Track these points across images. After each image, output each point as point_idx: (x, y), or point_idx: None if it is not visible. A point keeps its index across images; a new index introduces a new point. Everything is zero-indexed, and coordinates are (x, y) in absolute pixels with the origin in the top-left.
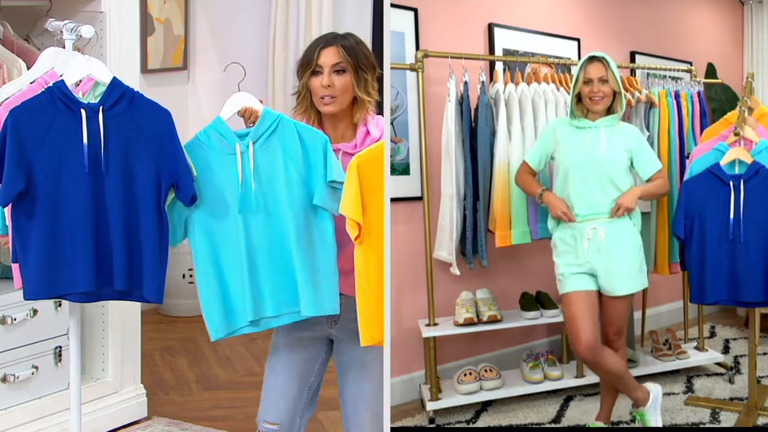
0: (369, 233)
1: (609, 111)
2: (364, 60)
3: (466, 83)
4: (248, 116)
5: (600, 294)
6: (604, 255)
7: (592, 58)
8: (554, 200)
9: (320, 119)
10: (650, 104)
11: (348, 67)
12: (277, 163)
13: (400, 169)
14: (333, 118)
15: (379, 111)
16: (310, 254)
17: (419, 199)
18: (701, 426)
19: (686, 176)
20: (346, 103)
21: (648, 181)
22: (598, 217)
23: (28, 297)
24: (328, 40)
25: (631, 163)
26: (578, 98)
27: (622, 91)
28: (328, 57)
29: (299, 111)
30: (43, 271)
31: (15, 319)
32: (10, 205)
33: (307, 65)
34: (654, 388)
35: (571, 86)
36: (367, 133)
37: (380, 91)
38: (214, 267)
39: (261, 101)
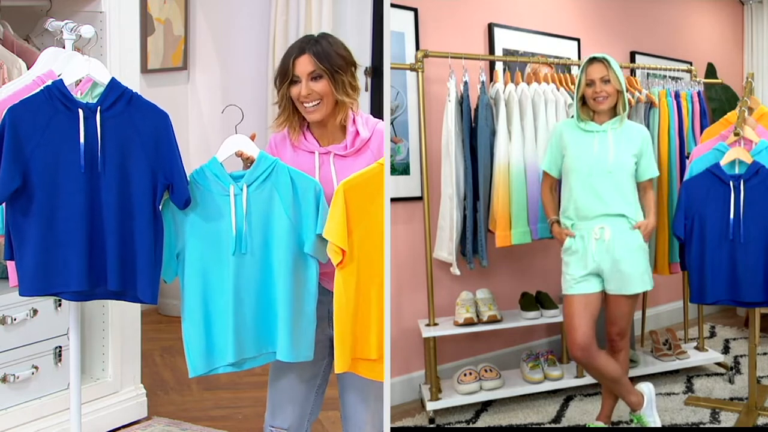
0: (351, 259)
1: (614, 112)
2: (338, 62)
3: (466, 83)
4: (244, 159)
5: (605, 294)
6: (611, 255)
7: (592, 59)
8: (557, 233)
9: (307, 125)
10: (650, 104)
11: (323, 73)
12: (270, 207)
13: (400, 169)
14: (319, 124)
15: (379, 111)
16: (294, 301)
17: (419, 199)
18: (701, 426)
19: (686, 176)
20: (330, 107)
21: (639, 182)
22: (606, 216)
23: (23, 293)
24: (300, 48)
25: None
26: (583, 101)
27: (625, 90)
28: (303, 66)
29: (281, 120)
30: (39, 269)
31: (15, 319)
32: (6, 203)
33: (284, 75)
34: (646, 389)
35: (575, 90)
36: (357, 133)
37: (380, 91)
38: (201, 305)
39: (253, 137)
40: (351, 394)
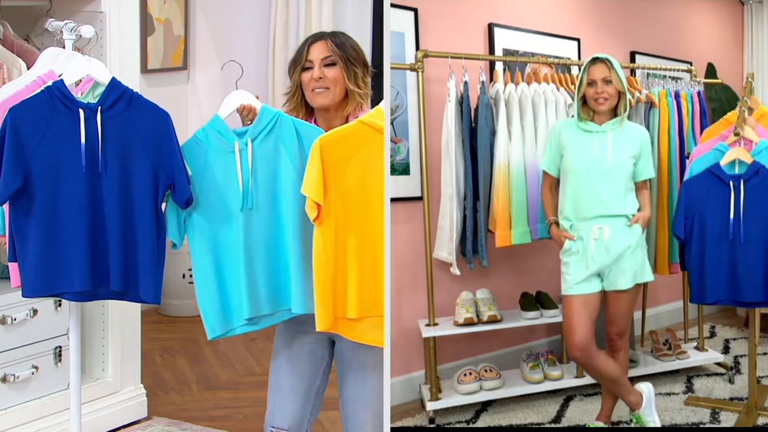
0: (328, 215)
1: (614, 113)
2: (353, 53)
3: (466, 83)
4: (246, 114)
5: (604, 294)
6: (610, 254)
7: (595, 60)
8: (556, 235)
9: (312, 117)
10: (650, 104)
11: (338, 60)
12: (276, 160)
13: (400, 169)
14: (326, 114)
15: None
16: (304, 252)
17: (419, 199)
18: (701, 426)
19: (686, 176)
20: (338, 95)
21: (635, 182)
22: (605, 217)
23: (26, 294)
24: (317, 36)
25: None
26: (583, 101)
27: (627, 91)
28: (317, 51)
29: (288, 108)
30: (41, 270)
31: (15, 319)
32: (7, 204)
33: (298, 61)
34: (645, 388)
35: (576, 89)
36: None
37: (380, 91)
38: (212, 265)
39: (257, 97)
40: (351, 393)
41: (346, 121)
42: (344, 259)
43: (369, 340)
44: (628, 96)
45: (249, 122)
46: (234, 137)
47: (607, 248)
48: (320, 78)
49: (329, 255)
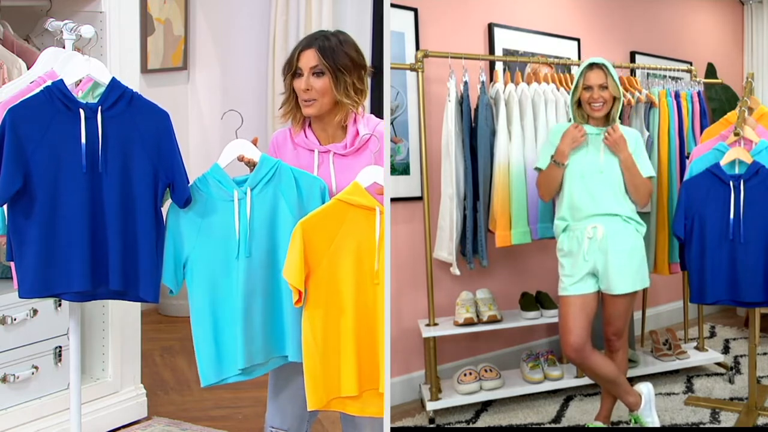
0: (317, 298)
1: (608, 116)
2: (344, 61)
3: (466, 83)
4: (246, 162)
5: (601, 294)
6: (604, 254)
7: (591, 65)
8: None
9: (309, 122)
10: (650, 104)
11: (325, 70)
12: (275, 209)
13: (400, 169)
14: (320, 120)
15: (379, 111)
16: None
17: (419, 199)
18: (701, 426)
19: (686, 176)
20: (327, 105)
21: None
22: (599, 216)
23: (23, 295)
24: (308, 41)
25: None
26: (578, 104)
27: (622, 96)
28: (305, 60)
29: (284, 111)
30: (39, 270)
31: (15, 319)
32: (6, 204)
33: (289, 67)
34: (645, 389)
35: (571, 92)
36: (357, 133)
37: (380, 91)
38: (210, 312)
39: (255, 141)
40: None
41: (343, 128)
42: (336, 339)
43: (372, 413)
44: (627, 95)
45: (252, 168)
46: (233, 186)
47: (600, 247)
48: (308, 89)
49: (318, 340)
